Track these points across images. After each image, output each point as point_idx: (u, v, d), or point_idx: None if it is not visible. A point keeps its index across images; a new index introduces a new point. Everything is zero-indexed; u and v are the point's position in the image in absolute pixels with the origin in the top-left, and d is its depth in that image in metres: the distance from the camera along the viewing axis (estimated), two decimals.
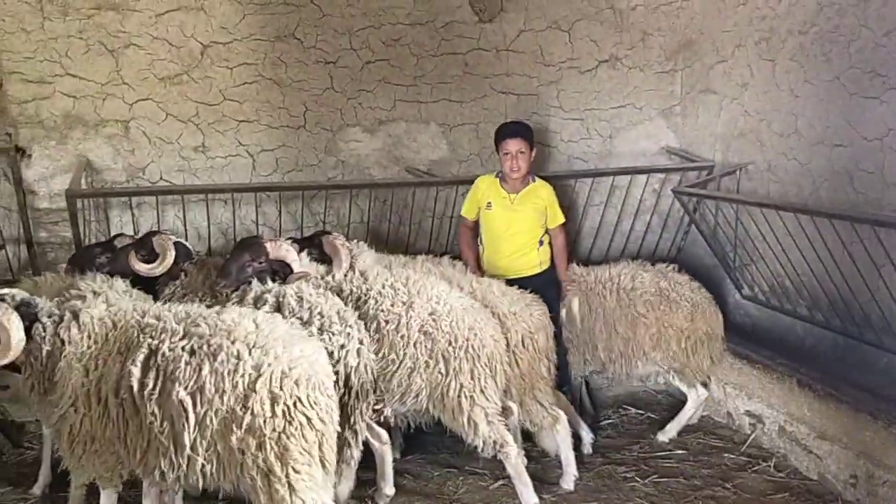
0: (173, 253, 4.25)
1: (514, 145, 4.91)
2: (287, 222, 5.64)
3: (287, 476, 3.09)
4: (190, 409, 3.07)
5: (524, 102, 5.97)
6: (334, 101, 5.69)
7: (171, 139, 5.48)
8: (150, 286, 4.25)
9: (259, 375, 3.07)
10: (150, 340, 3.22)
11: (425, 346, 3.98)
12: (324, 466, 3.23)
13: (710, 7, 5.80)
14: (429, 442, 4.94)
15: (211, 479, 3.19)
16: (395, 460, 4.33)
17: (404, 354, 3.97)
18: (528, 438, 4.77)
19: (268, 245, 4.13)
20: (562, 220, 5.14)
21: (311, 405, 3.13)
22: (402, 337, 3.97)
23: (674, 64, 6.19)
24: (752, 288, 5.53)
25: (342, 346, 3.65)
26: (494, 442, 4.02)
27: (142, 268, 4.20)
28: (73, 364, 3.30)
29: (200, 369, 3.09)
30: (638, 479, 4.58)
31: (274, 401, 3.07)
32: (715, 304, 5.18)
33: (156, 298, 4.13)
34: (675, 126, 6.29)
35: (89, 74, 5.28)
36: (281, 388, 3.07)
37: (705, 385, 5.20)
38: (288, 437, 3.09)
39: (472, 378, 3.99)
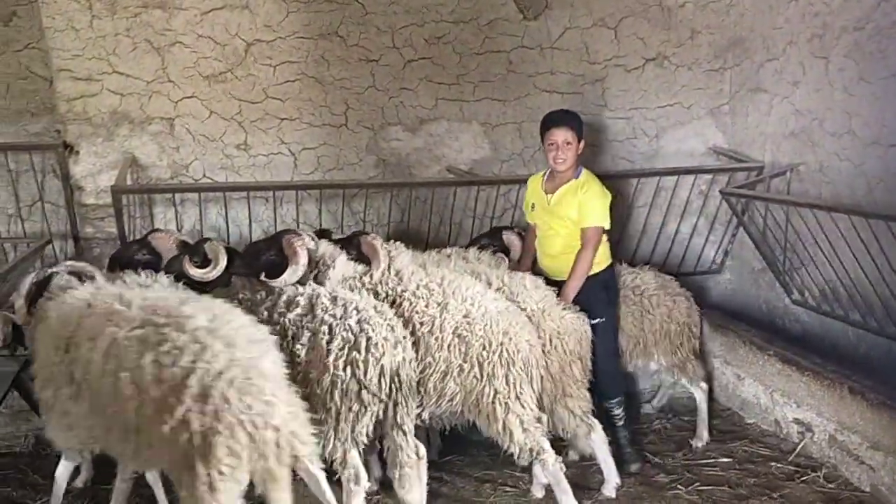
0: (225, 259, 4.26)
1: (560, 135, 4.55)
2: (327, 221, 5.63)
3: (209, 475, 3.03)
4: (133, 394, 3.10)
5: (568, 101, 5.87)
6: (376, 100, 5.67)
7: (215, 137, 5.52)
8: (202, 292, 4.27)
9: (194, 369, 3.05)
10: (113, 328, 3.28)
11: (459, 350, 3.90)
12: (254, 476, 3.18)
13: (761, 4, 5.64)
14: (467, 443, 4.88)
15: (151, 467, 3.30)
16: (431, 462, 4.23)
17: (438, 357, 3.90)
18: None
19: (283, 239, 4.13)
20: (593, 222, 4.53)
21: (242, 408, 3.08)
22: (436, 339, 3.91)
23: (723, 62, 6.05)
24: (803, 292, 5.37)
25: (386, 339, 3.62)
26: (531, 450, 3.92)
27: (196, 273, 4.22)
28: (46, 341, 3.52)
29: (143, 357, 3.11)
30: (681, 487, 4.47)
31: (204, 397, 3.04)
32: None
33: None
34: (723, 125, 6.14)
35: (136, 72, 5.34)
36: (213, 386, 3.04)
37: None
38: (214, 436, 3.04)
39: (506, 384, 3.89)
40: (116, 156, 5.38)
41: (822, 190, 5.18)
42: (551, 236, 4.70)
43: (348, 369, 3.54)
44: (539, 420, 4.00)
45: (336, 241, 4.44)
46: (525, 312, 4.18)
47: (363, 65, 5.61)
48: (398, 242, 4.52)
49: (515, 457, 3.97)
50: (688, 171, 5.93)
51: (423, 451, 3.83)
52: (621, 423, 4.72)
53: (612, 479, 4.40)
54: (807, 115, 5.30)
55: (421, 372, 3.88)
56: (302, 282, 4.02)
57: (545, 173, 4.82)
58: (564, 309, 4.34)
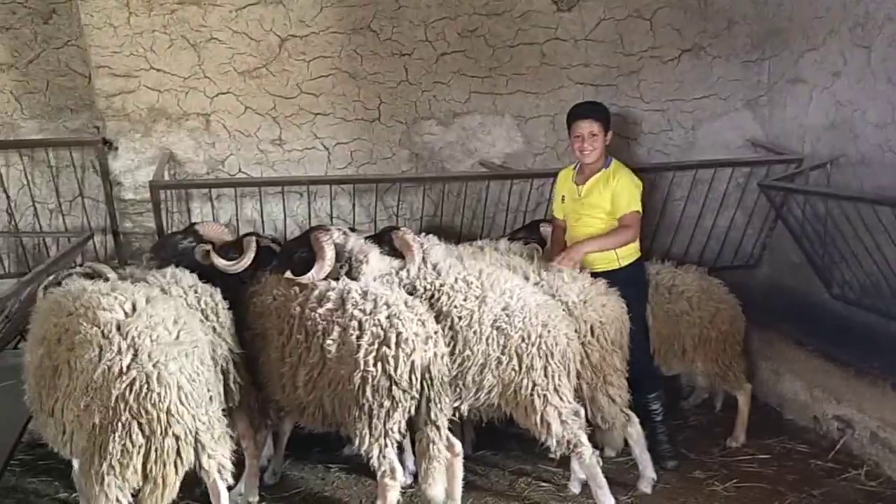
0: (251, 255, 4.30)
1: (585, 127, 4.53)
2: (361, 215, 5.66)
3: (101, 467, 3.18)
4: (60, 383, 3.34)
5: (603, 93, 5.82)
6: (409, 94, 5.67)
7: (250, 132, 5.55)
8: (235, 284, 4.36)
9: (98, 365, 3.22)
10: (52, 318, 3.54)
11: (498, 342, 3.89)
12: (146, 477, 3.26)
13: None
14: (502, 437, 4.87)
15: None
16: (466, 457, 4.20)
17: (476, 350, 3.89)
18: None
19: (311, 235, 4.14)
20: (629, 208, 4.50)
21: (140, 410, 3.19)
22: (474, 333, 3.90)
23: (761, 52, 5.95)
24: (843, 287, 5.27)
25: (416, 334, 3.61)
26: (568, 442, 3.90)
27: (220, 263, 4.29)
28: (29, 339, 3.75)
29: (60, 345, 3.40)
30: (718, 484, 4.41)
31: (105, 392, 3.19)
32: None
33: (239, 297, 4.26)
34: (761, 117, 6.05)
35: (172, 68, 5.39)
36: (115, 383, 3.18)
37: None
38: (111, 433, 3.18)
39: (545, 376, 3.89)
40: (154, 151, 5.45)
41: (863, 182, 5.08)
42: (582, 227, 4.65)
43: (378, 365, 3.55)
44: (577, 413, 3.99)
45: (368, 238, 4.45)
46: (566, 304, 4.17)
47: (396, 59, 5.61)
48: (431, 235, 4.52)
49: (552, 449, 3.95)
50: (725, 164, 5.84)
51: (458, 447, 3.83)
52: (659, 418, 4.67)
53: (647, 475, 4.36)
54: (848, 106, 5.20)
55: (459, 365, 3.88)
56: (334, 278, 4.03)
57: (575, 166, 4.79)
58: (603, 294, 4.31)
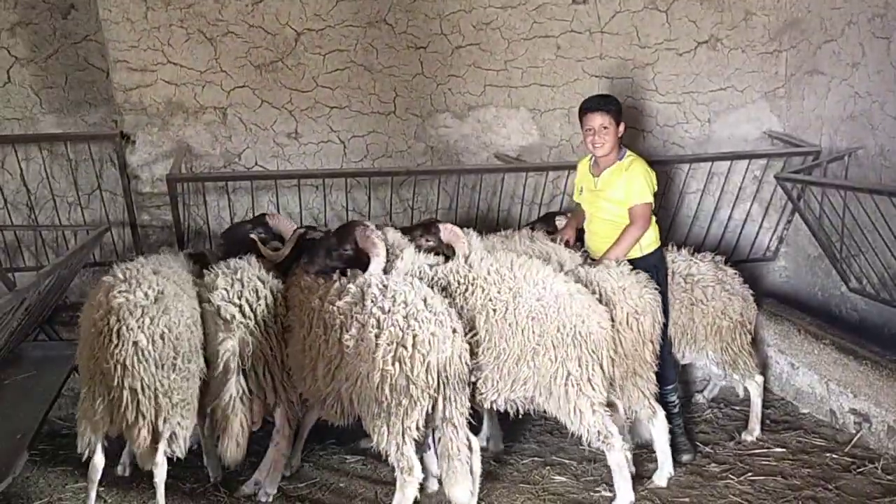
0: (290, 246, 4.34)
1: (596, 120, 4.50)
2: (376, 208, 5.68)
3: (77, 413, 3.70)
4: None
5: (618, 86, 5.81)
6: (424, 87, 5.68)
7: (266, 126, 5.58)
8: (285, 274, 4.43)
9: (92, 325, 3.72)
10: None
11: (533, 332, 3.91)
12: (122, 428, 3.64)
13: None
14: (517, 430, 4.89)
15: None
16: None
17: (513, 343, 3.91)
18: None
19: (357, 232, 4.13)
20: (638, 199, 4.48)
21: (101, 362, 3.58)
22: (510, 325, 3.92)
23: (778, 44, 5.91)
24: (861, 280, 5.23)
25: (433, 335, 3.61)
26: (598, 432, 3.93)
27: (266, 253, 4.40)
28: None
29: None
30: (732, 477, 4.40)
31: (87, 347, 3.72)
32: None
33: None
34: (778, 109, 6.01)
35: (189, 62, 5.42)
36: (93, 337, 3.67)
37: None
38: (86, 381, 3.71)
39: (579, 366, 3.91)
40: (171, 145, 5.49)
41: (882, 174, 5.04)
42: (600, 219, 4.66)
43: (396, 365, 3.56)
44: (610, 404, 4.03)
45: (410, 229, 4.48)
46: (604, 290, 4.19)
47: (411, 52, 5.62)
48: (469, 229, 4.55)
49: (584, 440, 3.99)
50: (741, 156, 5.82)
51: (475, 443, 3.82)
52: (675, 410, 4.66)
53: (665, 468, 4.35)
54: (866, 97, 5.15)
55: (496, 358, 3.91)
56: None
57: (591, 157, 4.77)
58: (641, 283, 4.30)
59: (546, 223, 5.12)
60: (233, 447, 3.95)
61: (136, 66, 5.37)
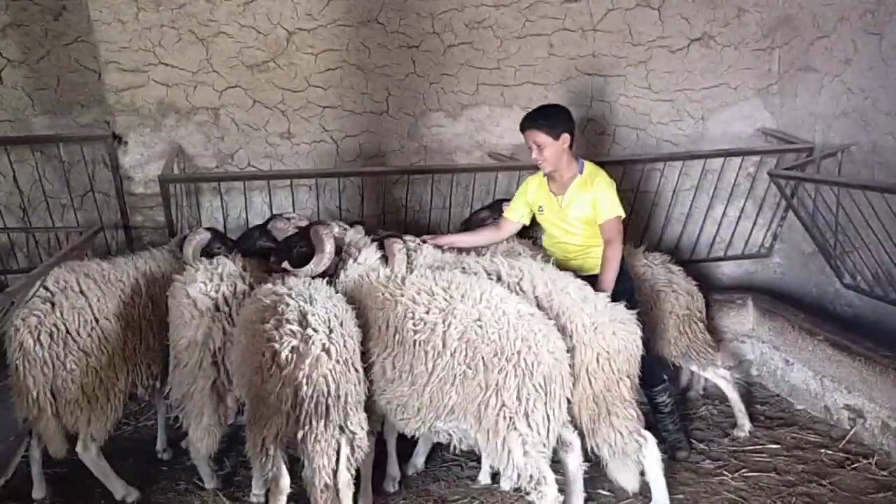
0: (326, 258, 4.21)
1: (529, 138, 4.29)
2: (370, 208, 5.67)
3: None
4: None
5: (611, 84, 5.81)
6: (417, 86, 5.67)
7: (259, 126, 5.58)
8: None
9: None
10: None
11: (465, 355, 3.49)
12: None
13: None
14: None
15: None
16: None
17: (437, 365, 3.53)
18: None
19: (311, 230, 4.08)
20: (611, 214, 4.24)
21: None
22: (432, 347, 3.55)
23: (771, 41, 5.91)
24: (855, 276, 5.23)
25: (292, 349, 3.36)
26: (530, 476, 3.44)
27: (298, 272, 4.28)
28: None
29: None
30: (727, 473, 4.40)
31: None
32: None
33: None
34: (771, 106, 6.01)
35: (181, 63, 5.41)
36: None
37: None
38: None
39: (517, 398, 3.42)
40: (163, 146, 5.48)
41: (874, 171, 5.04)
42: (569, 237, 4.45)
43: (258, 376, 3.46)
44: (545, 446, 3.51)
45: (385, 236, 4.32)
46: (574, 328, 3.75)
47: (404, 51, 5.61)
48: (427, 244, 4.33)
49: (513, 482, 3.73)
50: (735, 153, 5.82)
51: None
52: (667, 409, 4.62)
53: (661, 502, 3.97)
54: (859, 94, 5.15)
55: (412, 385, 3.61)
56: (328, 272, 4.00)
57: (545, 174, 4.47)
58: (618, 320, 3.81)
59: (493, 210, 4.93)
60: (204, 439, 4.00)
61: (127, 67, 5.36)
